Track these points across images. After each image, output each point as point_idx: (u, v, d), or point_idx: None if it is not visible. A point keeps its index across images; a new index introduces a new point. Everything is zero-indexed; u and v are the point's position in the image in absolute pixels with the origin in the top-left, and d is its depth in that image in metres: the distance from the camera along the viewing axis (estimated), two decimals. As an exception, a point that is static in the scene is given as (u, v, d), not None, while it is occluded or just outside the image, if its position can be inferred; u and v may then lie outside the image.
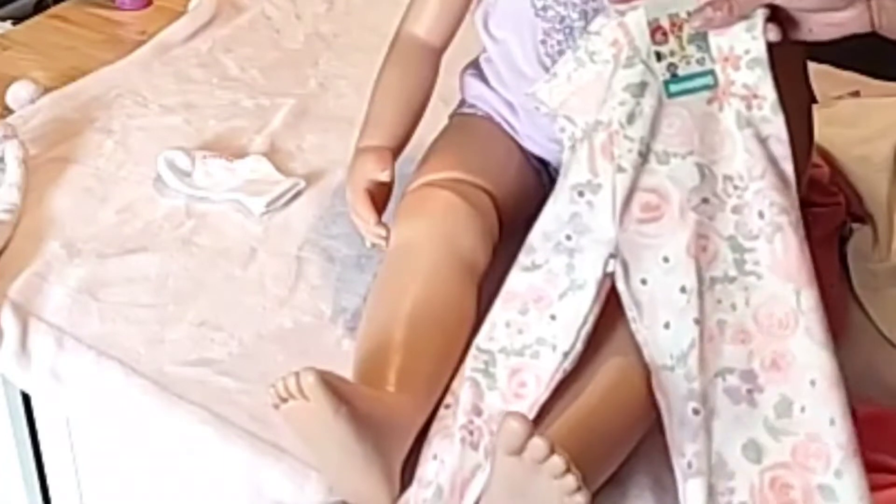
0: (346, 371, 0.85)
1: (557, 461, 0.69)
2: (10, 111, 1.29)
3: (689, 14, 0.84)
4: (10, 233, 1.07)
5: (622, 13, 0.84)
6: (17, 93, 1.31)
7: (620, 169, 0.83)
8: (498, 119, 1.05)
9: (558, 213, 0.85)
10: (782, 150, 0.83)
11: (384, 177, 0.97)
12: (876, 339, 1.04)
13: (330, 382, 0.74)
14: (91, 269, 1.05)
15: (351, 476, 0.81)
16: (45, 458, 1.13)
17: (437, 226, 0.94)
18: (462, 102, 1.09)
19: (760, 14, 0.83)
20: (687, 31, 0.84)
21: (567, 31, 0.96)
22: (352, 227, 1.01)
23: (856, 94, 1.37)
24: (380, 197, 0.99)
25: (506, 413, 0.72)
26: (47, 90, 1.32)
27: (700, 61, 0.84)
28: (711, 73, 0.84)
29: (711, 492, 0.78)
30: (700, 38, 0.84)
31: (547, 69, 0.98)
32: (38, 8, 1.61)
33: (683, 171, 0.83)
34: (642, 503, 0.84)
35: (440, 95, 1.06)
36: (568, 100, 0.87)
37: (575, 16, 0.96)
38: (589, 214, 0.84)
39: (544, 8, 0.97)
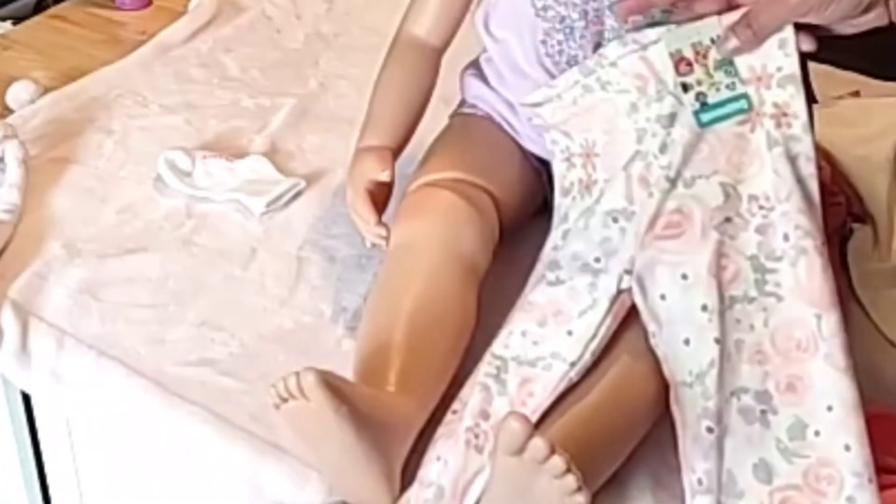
0: (346, 371, 0.84)
1: (558, 461, 0.69)
2: (10, 111, 1.29)
3: (712, 41, 0.83)
4: (10, 233, 1.07)
5: (644, 46, 0.84)
6: (17, 93, 1.31)
7: (650, 195, 0.83)
8: (498, 119, 1.05)
9: (590, 236, 0.85)
10: (810, 169, 0.83)
11: (384, 177, 0.97)
12: (876, 339, 1.04)
13: (330, 382, 0.74)
14: (91, 269, 1.05)
15: (351, 476, 0.81)
16: (45, 458, 1.13)
17: (437, 226, 0.94)
18: (462, 102, 1.09)
19: (790, 30, 0.82)
20: (713, 57, 0.83)
21: (567, 31, 0.96)
22: (352, 227, 1.01)
23: (856, 94, 1.36)
24: (380, 197, 0.99)
25: (507, 413, 0.72)
26: (47, 90, 1.32)
27: (730, 87, 0.83)
28: (745, 96, 0.83)
29: None
30: (727, 63, 0.83)
31: (547, 69, 0.98)
32: (38, 8, 1.61)
33: (707, 190, 0.83)
34: (642, 503, 0.84)
35: (440, 95, 1.06)
36: (569, 119, 0.86)
37: (575, 16, 0.96)
38: (619, 239, 0.84)
39: (545, 8, 0.97)
